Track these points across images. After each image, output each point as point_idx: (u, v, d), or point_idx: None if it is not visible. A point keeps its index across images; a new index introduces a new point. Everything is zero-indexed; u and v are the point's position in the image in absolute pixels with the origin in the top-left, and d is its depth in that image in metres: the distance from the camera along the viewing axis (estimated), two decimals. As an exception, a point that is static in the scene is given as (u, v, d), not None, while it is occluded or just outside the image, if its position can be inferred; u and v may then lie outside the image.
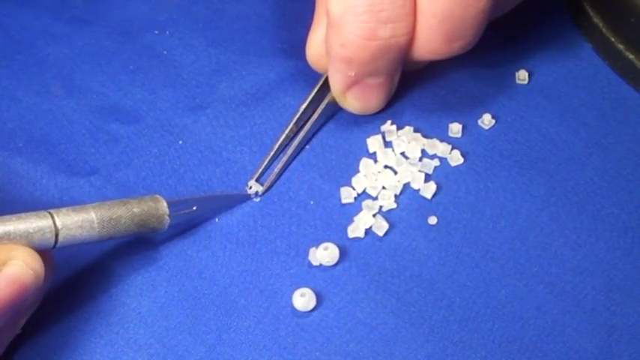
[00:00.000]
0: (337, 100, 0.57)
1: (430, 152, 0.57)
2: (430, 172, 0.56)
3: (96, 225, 0.48)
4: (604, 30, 0.60)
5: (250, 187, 0.55)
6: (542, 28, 0.62)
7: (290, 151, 0.55)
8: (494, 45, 0.60)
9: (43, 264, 0.49)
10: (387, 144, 0.58)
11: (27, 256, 0.49)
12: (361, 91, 0.56)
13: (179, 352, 0.51)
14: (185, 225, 0.55)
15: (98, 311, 0.52)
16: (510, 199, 0.55)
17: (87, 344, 0.51)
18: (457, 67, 0.60)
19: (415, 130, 0.58)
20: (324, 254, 0.53)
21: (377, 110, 0.58)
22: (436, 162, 0.56)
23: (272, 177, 0.55)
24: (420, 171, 0.56)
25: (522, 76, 0.60)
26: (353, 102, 0.57)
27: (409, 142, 0.57)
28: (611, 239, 0.54)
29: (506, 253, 0.54)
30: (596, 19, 0.60)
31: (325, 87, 0.57)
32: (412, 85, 0.59)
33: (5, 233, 0.47)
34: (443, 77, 0.60)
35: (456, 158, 0.57)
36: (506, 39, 0.61)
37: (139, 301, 0.52)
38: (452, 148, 0.57)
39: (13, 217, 0.47)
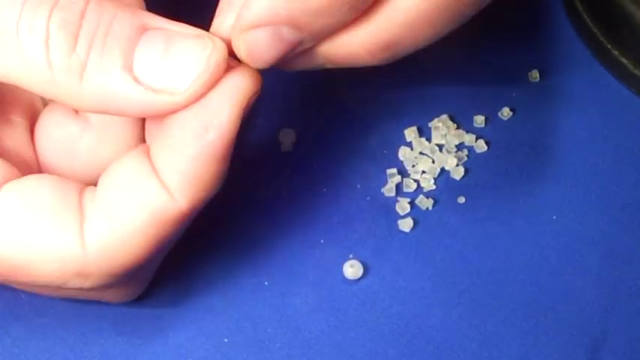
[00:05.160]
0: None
1: (458, 141, 0.58)
2: (462, 161, 0.58)
3: None
4: (602, 38, 0.61)
5: None
6: (550, 36, 0.63)
7: None
8: (510, 51, 0.61)
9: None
10: (423, 134, 0.58)
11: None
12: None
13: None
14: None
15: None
16: (527, 181, 0.58)
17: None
18: (479, 67, 0.61)
19: (450, 119, 0.59)
20: (350, 271, 0.55)
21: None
22: (465, 152, 0.58)
23: None
24: (454, 157, 0.57)
25: (535, 75, 0.61)
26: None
27: (445, 135, 0.58)
28: (613, 214, 0.57)
29: (523, 226, 0.56)
30: (594, 29, 0.61)
31: None
32: (442, 85, 0.60)
33: None
34: (467, 77, 0.61)
35: (480, 146, 0.58)
36: (521, 46, 0.62)
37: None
38: (477, 138, 0.58)
39: None
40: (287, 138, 0.59)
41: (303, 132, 0.59)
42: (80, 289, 0.46)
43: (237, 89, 0.43)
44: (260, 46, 0.44)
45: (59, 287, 0.46)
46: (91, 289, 0.46)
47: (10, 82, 0.44)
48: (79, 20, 0.42)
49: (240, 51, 0.44)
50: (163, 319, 0.54)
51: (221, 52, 0.43)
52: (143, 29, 0.43)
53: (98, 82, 0.42)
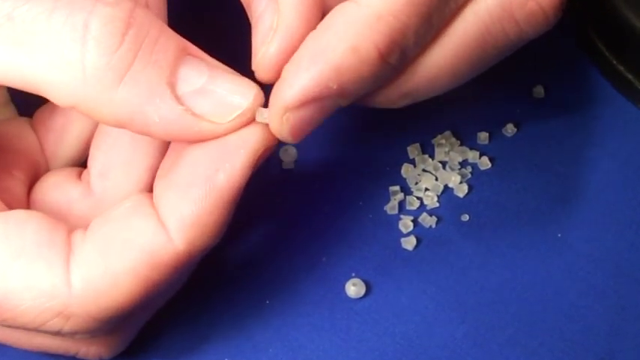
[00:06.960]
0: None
1: (462, 158, 0.58)
2: (465, 178, 0.58)
3: None
4: (607, 54, 0.61)
5: None
6: (554, 51, 0.62)
7: None
8: (516, 67, 0.58)
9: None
10: (426, 151, 0.58)
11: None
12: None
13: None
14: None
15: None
16: (531, 197, 0.57)
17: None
18: (483, 83, 0.55)
19: (453, 135, 0.59)
20: (352, 289, 0.55)
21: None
22: (469, 169, 0.58)
23: None
24: (458, 175, 0.57)
25: (539, 91, 0.61)
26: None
27: (449, 152, 0.58)
28: (618, 231, 0.57)
29: (528, 244, 0.56)
30: (600, 45, 0.61)
31: None
32: (445, 102, 0.55)
33: None
34: (471, 93, 0.56)
35: (484, 163, 0.58)
36: (525, 62, 0.59)
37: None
38: (481, 154, 0.58)
39: None
40: (288, 155, 0.59)
41: (305, 149, 0.59)
42: (59, 332, 0.43)
43: (256, 137, 0.43)
44: (303, 125, 0.43)
45: (36, 330, 0.43)
46: (72, 332, 0.43)
47: (29, 85, 0.41)
48: (128, 18, 0.40)
49: (282, 131, 0.43)
50: (160, 336, 0.53)
51: (262, 96, 0.43)
52: (185, 51, 0.42)
53: (138, 90, 0.40)
